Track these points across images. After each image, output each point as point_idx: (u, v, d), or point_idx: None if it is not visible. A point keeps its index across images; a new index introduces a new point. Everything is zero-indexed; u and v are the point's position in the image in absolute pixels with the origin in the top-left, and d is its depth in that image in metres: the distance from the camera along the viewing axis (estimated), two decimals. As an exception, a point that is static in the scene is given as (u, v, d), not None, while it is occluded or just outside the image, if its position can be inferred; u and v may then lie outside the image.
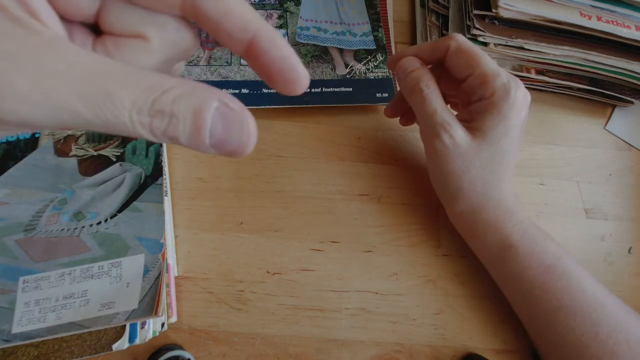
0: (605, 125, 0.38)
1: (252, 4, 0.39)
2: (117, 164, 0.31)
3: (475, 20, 0.33)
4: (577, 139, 0.37)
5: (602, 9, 0.32)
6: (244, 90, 0.35)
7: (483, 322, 0.29)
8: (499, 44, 0.34)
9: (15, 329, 0.25)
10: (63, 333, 0.25)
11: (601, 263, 0.32)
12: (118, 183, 0.30)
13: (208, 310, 0.29)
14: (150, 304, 0.26)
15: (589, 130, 0.37)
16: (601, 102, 0.38)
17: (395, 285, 0.30)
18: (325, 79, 0.36)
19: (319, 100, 0.35)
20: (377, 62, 0.38)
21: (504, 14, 0.31)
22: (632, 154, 0.37)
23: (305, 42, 0.38)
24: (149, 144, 0.32)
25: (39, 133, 0.32)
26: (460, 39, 0.28)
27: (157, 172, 0.31)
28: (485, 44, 0.34)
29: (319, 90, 0.36)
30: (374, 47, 0.38)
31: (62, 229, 0.28)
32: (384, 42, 0.38)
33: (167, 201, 0.31)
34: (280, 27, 0.38)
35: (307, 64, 0.37)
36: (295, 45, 0.37)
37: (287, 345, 0.28)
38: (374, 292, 0.30)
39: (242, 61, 0.36)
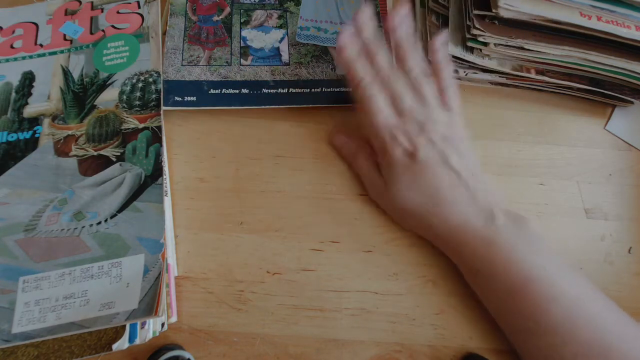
0: (605, 125, 0.38)
1: (251, 3, 0.39)
2: (117, 164, 0.31)
3: (475, 20, 0.33)
4: (577, 139, 0.37)
5: (602, 9, 0.32)
6: (244, 90, 0.35)
7: (483, 322, 0.29)
8: (499, 44, 0.34)
9: (15, 329, 0.25)
10: (63, 333, 0.25)
11: (601, 263, 0.32)
12: (118, 183, 0.30)
13: (208, 310, 0.29)
14: (150, 304, 0.26)
15: (589, 130, 0.37)
16: (601, 102, 0.38)
17: (395, 285, 0.30)
18: (325, 79, 0.36)
19: (319, 101, 0.35)
20: None
21: (504, 14, 0.31)
22: (632, 154, 0.37)
23: (305, 42, 0.38)
24: (149, 143, 0.32)
25: (39, 133, 0.32)
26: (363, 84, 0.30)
27: (157, 172, 0.31)
28: (485, 44, 0.34)
29: (319, 90, 0.35)
30: None
31: (62, 229, 0.28)
32: (384, 42, 0.38)
33: (167, 201, 0.31)
34: (280, 27, 0.38)
35: (307, 64, 0.36)
36: (295, 45, 0.37)
37: (287, 345, 0.28)
38: (374, 292, 0.30)
39: (242, 61, 0.36)
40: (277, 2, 0.39)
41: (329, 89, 0.36)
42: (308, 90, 0.35)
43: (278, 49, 0.37)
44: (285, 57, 0.37)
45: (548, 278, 0.25)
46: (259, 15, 0.38)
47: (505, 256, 0.26)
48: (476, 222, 0.28)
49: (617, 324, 0.25)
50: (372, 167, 0.32)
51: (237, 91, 0.34)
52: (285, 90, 0.35)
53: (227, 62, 0.36)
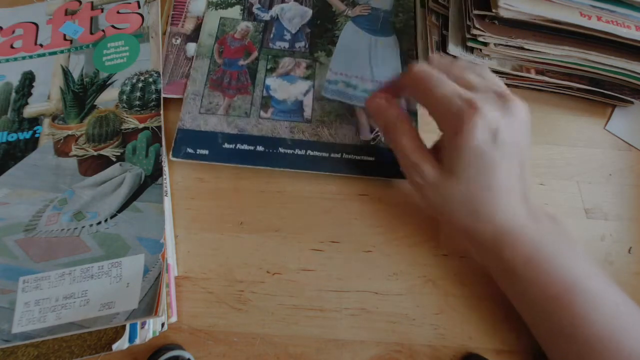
0: (605, 125, 0.38)
1: (281, 49, 0.37)
2: (117, 164, 0.31)
3: (475, 20, 0.33)
4: (577, 139, 0.37)
5: (602, 9, 0.32)
6: (259, 148, 0.32)
7: (483, 322, 0.29)
8: (499, 44, 0.34)
9: (15, 329, 0.25)
10: (63, 333, 0.25)
11: (601, 263, 0.32)
12: (118, 183, 0.30)
13: (208, 310, 0.29)
14: (150, 304, 0.26)
15: (589, 130, 0.37)
16: (601, 102, 0.38)
17: (395, 285, 0.30)
18: (347, 143, 0.33)
19: (338, 168, 0.32)
20: None
21: (504, 14, 0.31)
22: (632, 154, 0.37)
23: (332, 97, 0.35)
24: (149, 143, 0.32)
25: (39, 133, 0.32)
26: (416, 69, 0.26)
27: (157, 172, 0.31)
28: (485, 44, 0.34)
29: (339, 155, 0.33)
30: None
31: (62, 229, 0.28)
32: (416, 108, 0.35)
33: (167, 201, 0.31)
34: (307, 77, 0.36)
35: (329, 124, 0.34)
36: (320, 100, 0.35)
37: (287, 345, 0.28)
38: (374, 292, 0.30)
39: (262, 113, 0.34)
40: (307, 51, 0.37)
41: (349, 156, 0.33)
42: (327, 154, 0.33)
43: (301, 103, 0.35)
44: (307, 112, 0.34)
45: (590, 286, 0.24)
46: (286, 63, 0.36)
47: (550, 261, 0.25)
48: (523, 221, 0.25)
49: None
50: (420, 145, 0.27)
51: (252, 147, 0.32)
52: (303, 152, 0.33)
53: (246, 112, 0.34)
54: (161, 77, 0.35)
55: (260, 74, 0.36)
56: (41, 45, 0.36)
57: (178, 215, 0.31)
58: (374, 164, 0.33)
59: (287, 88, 0.35)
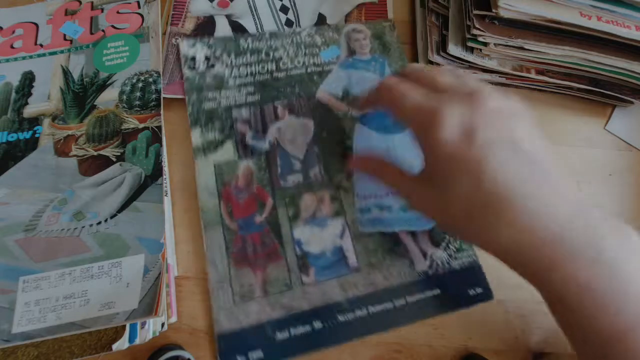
0: (605, 125, 0.38)
1: (296, 185, 0.31)
2: (117, 164, 0.31)
3: (475, 20, 0.33)
4: (577, 139, 0.37)
5: (602, 9, 0.32)
6: (317, 324, 0.28)
7: (483, 322, 0.29)
8: (499, 44, 0.34)
9: (15, 329, 0.25)
10: (63, 333, 0.25)
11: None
12: (118, 183, 0.30)
13: (208, 310, 0.29)
14: (150, 304, 0.26)
15: (589, 130, 0.37)
16: (601, 102, 0.38)
17: (395, 286, 0.30)
18: (405, 282, 0.29)
19: (406, 318, 0.28)
20: (458, 242, 0.31)
21: (504, 14, 0.31)
22: (632, 154, 0.37)
23: (371, 230, 0.30)
24: (149, 143, 0.32)
25: (39, 133, 0.32)
26: (380, 86, 0.24)
27: (157, 172, 0.31)
28: (485, 44, 0.34)
29: (403, 302, 0.29)
30: None
31: (62, 229, 0.28)
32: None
33: (167, 201, 0.31)
34: (336, 214, 0.31)
35: (380, 265, 0.29)
36: (360, 238, 0.30)
37: (287, 345, 0.28)
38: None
39: (304, 278, 0.29)
40: (325, 178, 0.32)
41: (413, 298, 0.29)
42: (391, 305, 0.28)
43: (341, 249, 0.30)
44: (352, 259, 0.29)
45: None
46: (308, 202, 0.31)
47: (618, 287, 0.18)
48: (569, 229, 0.19)
49: None
50: (403, 174, 0.25)
51: (308, 327, 0.27)
52: (364, 312, 0.28)
53: (286, 284, 0.29)
54: (161, 77, 0.35)
55: (285, 227, 0.30)
56: (41, 45, 0.36)
57: (178, 215, 0.31)
58: (440, 298, 0.29)
59: (319, 236, 0.30)
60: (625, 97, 0.36)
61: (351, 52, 0.37)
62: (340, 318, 0.28)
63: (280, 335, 0.27)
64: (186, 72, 0.35)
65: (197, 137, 0.33)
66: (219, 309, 0.28)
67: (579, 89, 0.36)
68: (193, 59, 0.35)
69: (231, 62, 0.36)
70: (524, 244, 0.19)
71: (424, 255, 0.30)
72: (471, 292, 0.29)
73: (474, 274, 0.30)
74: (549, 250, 0.19)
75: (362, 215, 0.31)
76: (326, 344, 0.27)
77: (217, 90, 0.34)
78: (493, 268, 0.30)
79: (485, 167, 0.20)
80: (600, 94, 0.36)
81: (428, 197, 0.22)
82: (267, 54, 0.36)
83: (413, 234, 0.31)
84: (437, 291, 0.29)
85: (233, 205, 0.31)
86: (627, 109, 0.38)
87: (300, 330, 0.27)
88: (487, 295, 0.29)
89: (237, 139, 0.33)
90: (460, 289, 0.28)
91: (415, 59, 0.38)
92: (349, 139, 0.34)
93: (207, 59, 0.35)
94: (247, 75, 0.35)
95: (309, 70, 0.36)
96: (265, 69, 0.36)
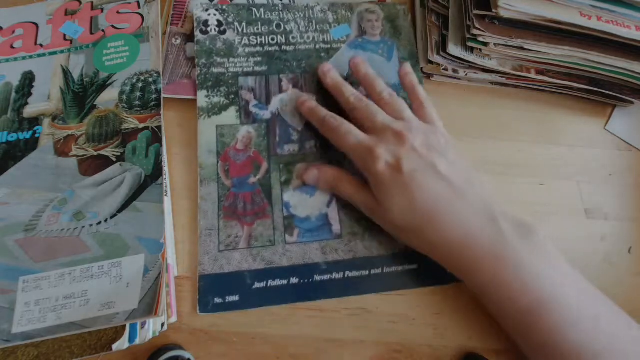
0: (605, 125, 0.38)
1: (291, 154, 0.33)
2: (117, 164, 0.31)
3: (475, 20, 0.33)
4: (577, 139, 0.37)
5: (602, 9, 0.32)
6: (293, 280, 0.29)
7: (483, 322, 0.29)
8: (499, 44, 0.34)
9: (15, 329, 0.25)
10: (63, 333, 0.25)
11: (601, 263, 0.32)
12: (118, 183, 0.30)
13: (213, 313, 0.29)
14: (150, 304, 0.26)
15: (589, 130, 0.37)
16: (601, 102, 0.38)
17: (395, 285, 0.30)
18: (385, 254, 0.30)
19: (380, 286, 0.30)
20: None
21: (504, 14, 0.31)
22: (632, 154, 0.37)
23: None
24: (149, 143, 0.32)
25: (39, 133, 0.32)
26: (323, 117, 0.31)
27: (157, 172, 0.31)
28: (485, 44, 0.34)
29: (380, 271, 0.30)
30: None
31: (62, 229, 0.28)
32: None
33: (167, 201, 0.31)
34: None
35: (362, 235, 0.31)
36: (346, 208, 0.31)
37: (287, 345, 0.28)
38: (374, 292, 0.30)
39: (288, 237, 0.30)
40: (320, 151, 0.33)
41: (391, 269, 0.30)
42: (367, 272, 0.30)
43: (327, 216, 0.31)
44: (336, 226, 0.31)
45: (564, 298, 0.24)
46: (300, 171, 0.32)
47: (515, 273, 0.24)
48: (478, 235, 0.25)
49: (637, 343, 0.24)
50: (358, 187, 0.29)
51: (285, 282, 0.29)
52: (341, 276, 0.30)
53: (270, 240, 0.30)
54: (161, 77, 0.35)
55: (276, 190, 0.32)
56: (41, 45, 0.36)
57: (178, 215, 0.31)
58: (417, 272, 0.30)
59: (307, 202, 0.31)
60: (625, 97, 0.36)
61: (362, 32, 0.38)
62: (317, 278, 0.29)
63: (258, 285, 0.29)
64: (198, 35, 0.36)
65: (202, 98, 0.34)
66: (204, 254, 0.29)
67: (579, 89, 0.36)
68: (206, 23, 0.36)
69: (242, 30, 0.36)
70: (452, 249, 0.26)
71: None
72: (448, 270, 0.30)
73: None
74: (468, 251, 0.25)
75: None
76: (300, 299, 0.29)
77: (226, 56, 0.35)
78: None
79: (412, 189, 0.26)
80: (600, 94, 0.36)
81: (375, 209, 0.28)
82: (279, 26, 0.37)
83: None
84: (414, 266, 0.30)
85: (230, 165, 0.32)
86: (627, 109, 0.38)
87: (277, 283, 0.29)
88: None
89: (240, 105, 0.34)
90: (437, 266, 0.29)
91: (415, 59, 0.38)
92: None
93: (220, 24, 0.36)
94: (256, 45, 0.36)
95: (317, 47, 0.37)
96: (275, 41, 0.37)
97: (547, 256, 0.25)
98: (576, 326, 0.23)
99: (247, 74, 0.35)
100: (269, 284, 0.29)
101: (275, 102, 0.34)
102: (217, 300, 0.28)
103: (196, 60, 0.35)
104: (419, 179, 0.26)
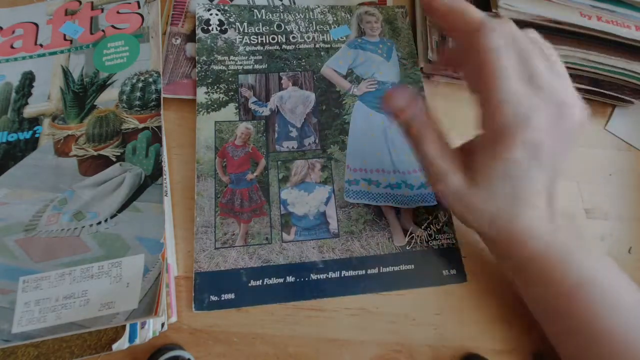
0: (605, 125, 0.38)
1: (290, 151, 0.33)
2: (117, 164, 0.31)
3: (475, 20, 0.33)
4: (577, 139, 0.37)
5: (602, 9, 0.32)
6: (289, 278, 0.29)
7: (483, 322, 0.29)
8: (499, 44, 0.34)
9: (15, 329, 0.25)
10: (63, 333, 0.25)
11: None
12: (118, 183, 0.30)
13: (208, 310, 0.29)
14: (150, 304, 0.26)
15: (589, 130, 0.37)
16: (601, 102, 0.38)
17: (395, 285, 0.30)
18: (382, 253, 0.30)
19: (377, 286, 0.29)
20: (440, 224, 0.32)
21: (504, 14, 0.31)
22: (632, 154, 0.37)
23: (355, 201, 0.32)
24: (149, 143, 0.32)
25: (39, 133, 0.32)
26: (487, 41, 0.22)
27: (157, 172, 0.31)
28: (485, 44, 0.34)
29: (376, 271, 0.30)
30: (435, 202, 0.32)
31: (62, 229, 0.28)
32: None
33: (167, 201, 0.31)
34: (324, 182, 0.32)
35: (359, 234, 0.31)
36: (344, 207, 0.31)
37: (287, 345, 0.28)
38: (374, 292, 0.30)
39: (284, 235, 0.30)
40: (319, 148, 0.33)
41: (387, 269, 0.30)
42: (363, 272, 0.30)
43: (324, 214, 0.31)
44: (333, 225, 0.31)
45: (604, 282, 0.24)
46: (299, 168, 0.32)
47: (562, 257, 0.24)
48: (538, 222, 0.24)
49: None
50: (443, 155, 0.25)
51: (281, 280, 0.29)
52: (337, 275, 0.29)
53: (266, 238, 0.30)
54: (161, 77, 0.35)
55: (274, 187, 0.32)
56: (41, 45, 0.36)
57: (178, 215, 0.31)
58: (413, 273, 0.30)
59: (305, 200, 0.31)
60: (625, 97, 0.36)
61: (361, 33, 0.38)
62: (313, 276, 0.29)
63: (254, 283, 0.29)
64: (199, 33, 0.36)
65: (202, 94, 0.34)
66: (200, 250, 0.30)
67: (578, 89, 0.36)
68: (207, 22, 0.37)
69: (243, 29, 0.37)
70: (510, 234, 0.25)
71: (405, 231, 0.31)
72: (445, 272, 0.30)
73: (450, 256, 0.31)
74: (519, 236, 0.24)
75: (349, 186, 0.32)
76: (296, 298, 0.29)
77: (227, 54, 0.36)
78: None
79: (529, 179, 0.23)
80: (600, 94, 0.36)
81: (460, 188, 0.24)
82: (279, 27, 0.38)
83: (397, 211, 0.32)
84: (411, 266, 0.30)
85: (228, 160, 0.32)
86: (627, 109, 0.38)
87: (273, 281, 0.29)
88: (460, 277, 0.30)
89: (240, 102, 0.34)
90: (434, 268, 0.28)
91: (414, 59, 0.38)
92: (347, 114, 0.35)
93: (221, 24, 0.37)
94: (257, 44, 0.37)
95: (317, 46, 0.38)
96: (276, 40, 0.37)
97: (586, 243, 0.25)
98: (613, 310, 0.23)
99: (247, 72, 0.36)
100: (265, 282, 0.29)
101: (275, 99, 0.35)
102: (213, 297, 0.28)
103: (197, 57, 0.35)
104: (544, 169, 0.23)
